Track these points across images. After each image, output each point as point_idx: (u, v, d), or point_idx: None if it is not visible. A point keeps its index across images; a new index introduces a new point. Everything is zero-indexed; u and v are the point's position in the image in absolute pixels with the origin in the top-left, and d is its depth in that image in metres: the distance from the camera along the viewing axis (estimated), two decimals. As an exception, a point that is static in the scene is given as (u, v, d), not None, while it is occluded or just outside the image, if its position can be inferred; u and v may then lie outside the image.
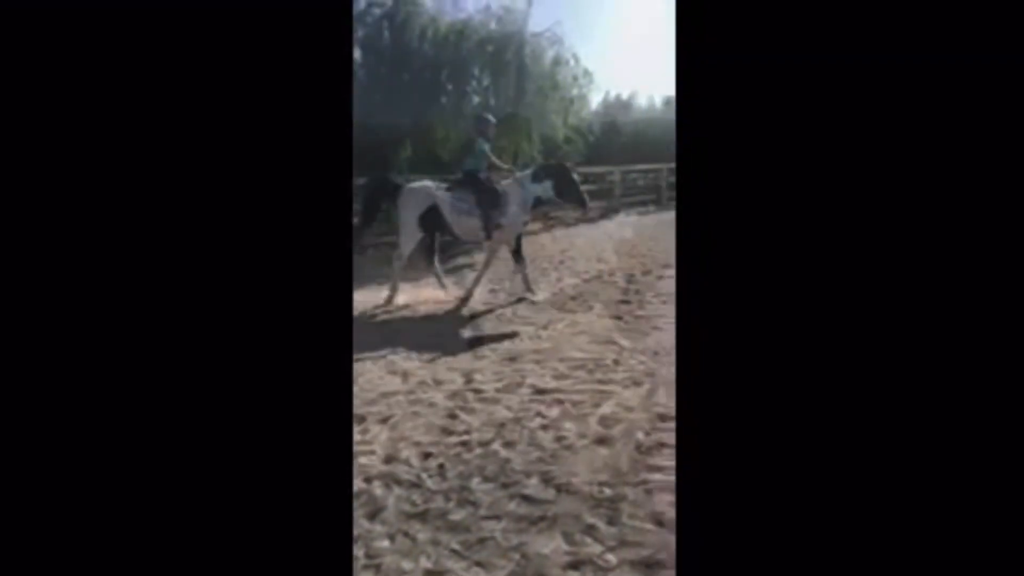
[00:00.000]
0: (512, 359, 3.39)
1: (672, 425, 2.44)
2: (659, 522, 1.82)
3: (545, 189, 4.71)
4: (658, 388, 2.82)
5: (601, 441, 2.35)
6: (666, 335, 3.66)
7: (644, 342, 3.56)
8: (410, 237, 4.81)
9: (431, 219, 4.74)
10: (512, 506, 1.94)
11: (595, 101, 13.25)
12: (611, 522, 1.83)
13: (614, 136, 13.53)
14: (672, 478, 2.04)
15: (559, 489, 2.03)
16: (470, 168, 4.86)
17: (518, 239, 4.87)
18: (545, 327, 4.04)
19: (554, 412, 2.64)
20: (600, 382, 2.97)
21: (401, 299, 4.85)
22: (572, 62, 9.94)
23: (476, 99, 10.06)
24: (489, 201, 4.67)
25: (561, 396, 2.81)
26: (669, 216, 7.58)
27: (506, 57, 9.33)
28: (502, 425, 2.53)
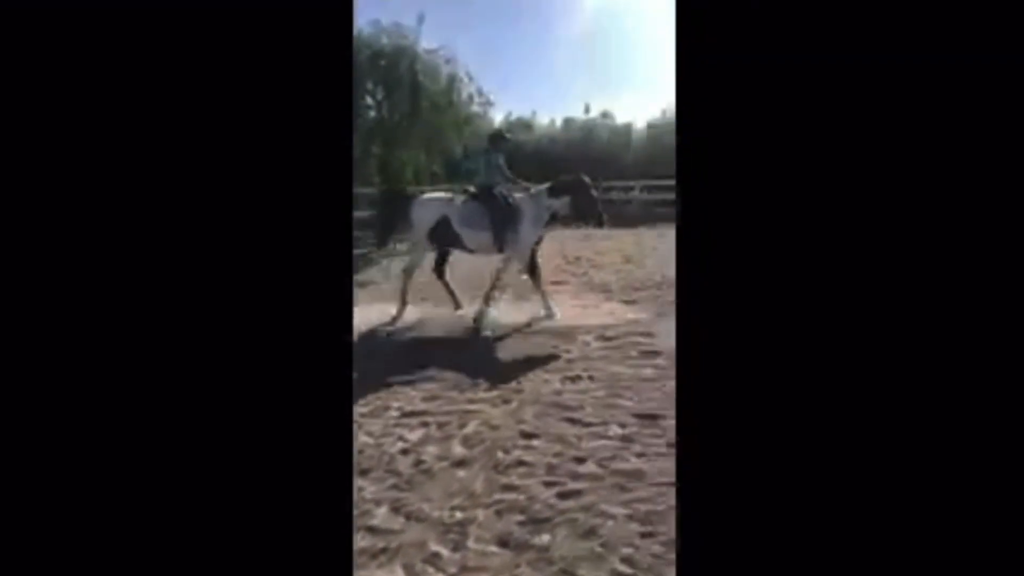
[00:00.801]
0: (387, 383, 3.28)
1: (533, 443, 2.46)
2: (504, 543, 1.81)
3: (563, 204, 4.62)
4: (525, 405, 2.85)
5: (460, 463, 2.31)
6: (542, 351, 3.72)
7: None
8: (417, 250, 4.63)
9: (442, 232, 4.56)
10: (355, 539, 1.85)
11: (497, 119, 13.46)
12: (456, 548, 1.79)
13: (515, 154, 13.78)
14: (523, 496, 2.05)
15: (408, 517, 1.96)
16: (484, 183, 4.73)
17: (532, 256, 4.70)
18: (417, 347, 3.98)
19: (417, 435, 2.58)
20: (470, 401, 2.95)
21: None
22: (467, 79, 10.04)
23: (372, 113, 9.88)
24: (502, 215, 4.54)
25: (428, 418, 2.75)
26: (562, 233, 7.84)
27: (399, 72, 9.25)
28: (360, 452, 2.43)
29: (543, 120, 17.37)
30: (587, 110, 16.47)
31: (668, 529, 1.80)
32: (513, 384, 3.15)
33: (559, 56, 27.81)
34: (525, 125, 16.78)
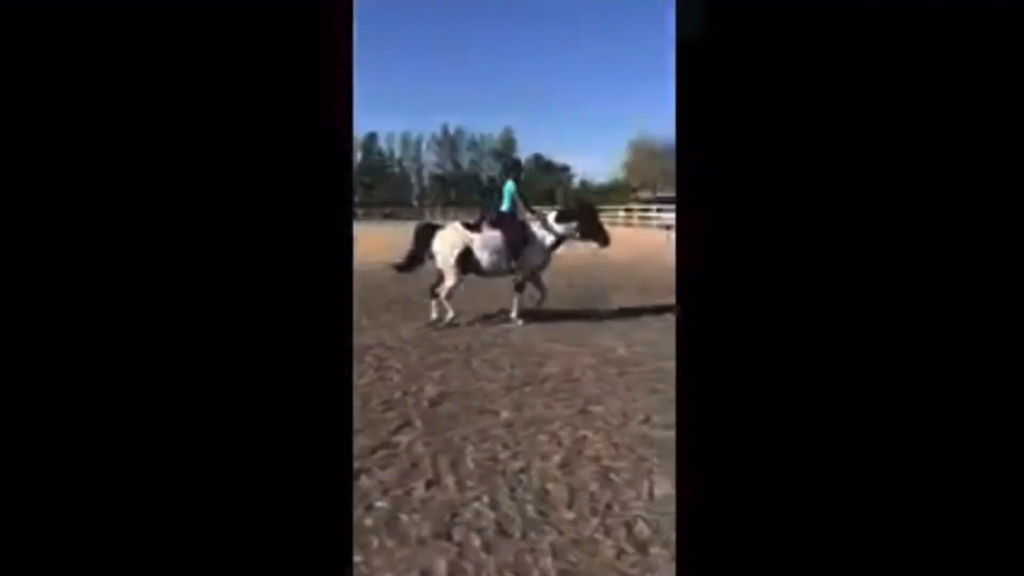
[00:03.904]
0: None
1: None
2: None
3: (570, 228, 5.13)
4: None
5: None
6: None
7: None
8: (454, 277, 5.04)
9: (463, 259, 5.03)
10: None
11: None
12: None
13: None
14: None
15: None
16: (504, 210, 5.15)
17: (532, 275, 5.17)
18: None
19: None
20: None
21: None
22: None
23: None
24: (517, 237, 5.01)
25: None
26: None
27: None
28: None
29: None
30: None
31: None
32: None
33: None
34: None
